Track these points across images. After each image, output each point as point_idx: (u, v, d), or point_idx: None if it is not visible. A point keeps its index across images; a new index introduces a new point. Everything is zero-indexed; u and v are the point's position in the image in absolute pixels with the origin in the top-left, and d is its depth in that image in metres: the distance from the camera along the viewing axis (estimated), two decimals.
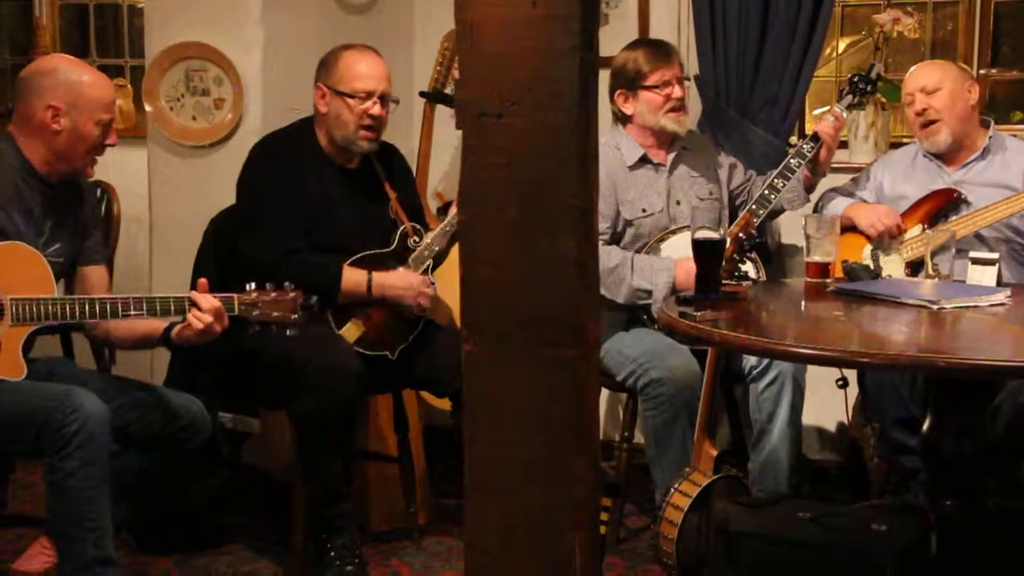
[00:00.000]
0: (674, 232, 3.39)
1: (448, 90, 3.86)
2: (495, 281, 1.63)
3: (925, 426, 2.64)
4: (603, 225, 3.33)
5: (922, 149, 3.46)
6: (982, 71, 3.96)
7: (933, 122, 3.38)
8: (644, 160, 3.46)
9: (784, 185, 3.40)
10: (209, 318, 2.71)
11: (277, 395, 3.23)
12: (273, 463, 3.60)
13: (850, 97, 3.51)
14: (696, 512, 3.04)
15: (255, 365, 3.22)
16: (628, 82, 3.43)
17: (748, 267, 3.33)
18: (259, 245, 3.15)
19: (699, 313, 2.54)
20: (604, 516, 3.22)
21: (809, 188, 3.53)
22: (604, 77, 3.36)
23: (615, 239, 3.40)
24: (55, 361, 3.01)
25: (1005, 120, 3.99)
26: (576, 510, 1.63)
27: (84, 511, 2.58)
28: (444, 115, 3.89)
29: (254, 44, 3.74)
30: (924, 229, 3.34)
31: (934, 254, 2.94)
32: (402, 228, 3.34)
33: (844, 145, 3.78)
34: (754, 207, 3.40)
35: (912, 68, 3.51)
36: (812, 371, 3.27)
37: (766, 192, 3.40)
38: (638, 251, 3.39)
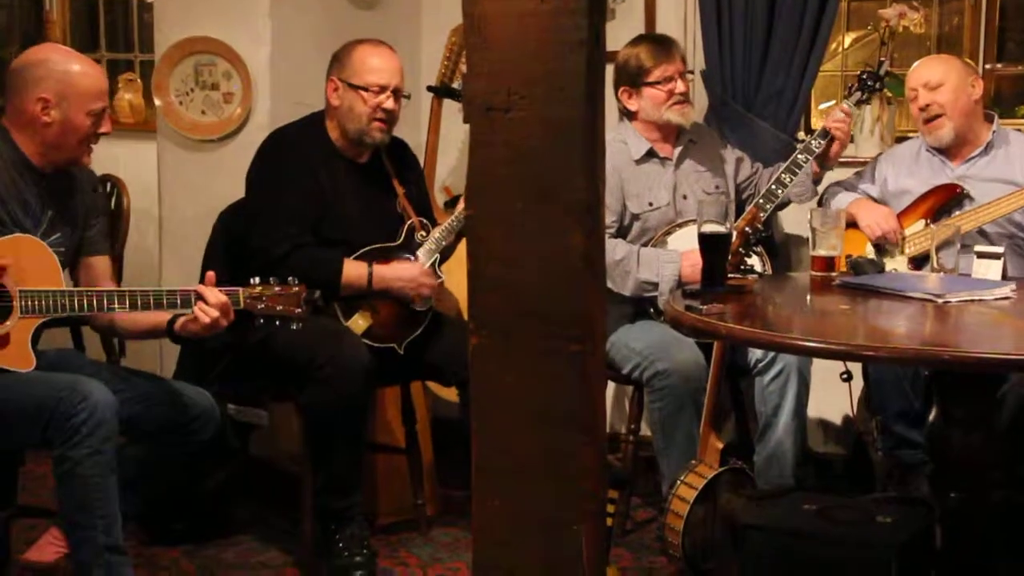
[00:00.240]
0: (680, 225, 3.40)
1: (456, 84, 3.87)
2: (502, 274, 1.64)
3: (930, 418, 2.65)
4: (609, 219, 3.34)
5: (926, 144, 3.47)
6: (987, 66, 3.96)
7: (936, 117, 3.37)
8: (651, 154, 3.48)
9: (791, 180, 3.41)
10: (215, 312, 2.72)
11: (286, 387, 3.25)
12: (281, 455, 3.62)
13: (859, 93, 3.51)
14: (702, 504, 3.05)
15: (264, 358, 3.24)
16: (631, 78, 3.44)
17: (754, 260, 3.35)
18: (266, 238, 3.17)
19: (705, 306, 2.55)
20: (610, 508, 3.23)
21: (816, 181, 3.54)
22: (610, 72, 3.38)
23: (621, 233, 3.41)
24: (65, 353, 3.02)
25: (1010, 115, 4.00)
26: (583, 502, 1.64)
27: (93, 500, 2.59)
28: (452, 109, 3.90)
29: (263, 39, 3.75)
30: (927, 224, 3.34)
31: (938, 249, 2.94)
32: (409, 222, 3.36)
33: (850, 139, 3.78)
34: (761, 201, 3.41)
35: (916, 63, 3.51)
36: (817, 364, 3.28)
37: (773, 187, 3.41)
38: (645, 245, 3.40)
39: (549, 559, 1.65)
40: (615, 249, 3.30)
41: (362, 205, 3.31)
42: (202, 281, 2.78)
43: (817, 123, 3.79)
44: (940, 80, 3.37)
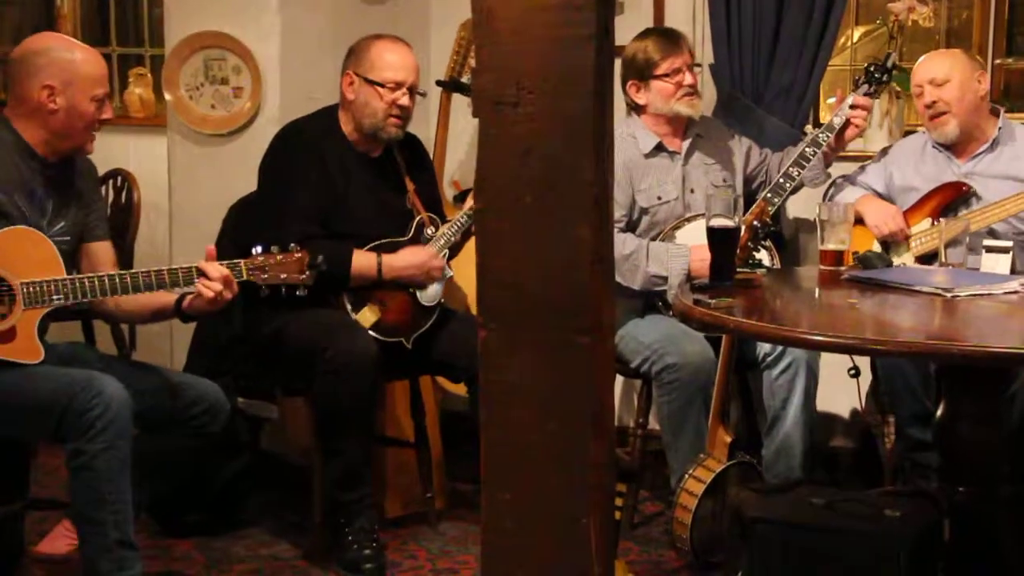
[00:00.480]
0: (689, 220, 3.41)
1: (465, 79, 3.88)
2: (511, 268, 1.64)
3: (939, 412, 2.65)
4: (618, 213, 3.34)
5: (931, 139, 3.44)
6: (997, 61, 3.95)
7: (942, 114, 3.34)
8: (659, 148, 3.48)
9: (799, 174, 3.41)
10: (218, 286, 2.71)
11: (296, 381, 3.27)
12: (291, 448, 3.64)
13: (866, 86, 3.50)
14: (710, 498, 3.06)
15: (274, 351, 3.25)
16: (639, 72, 3.44)
17: (762, 255, 3.34)
18: (275, 229, 3.17)
19: (714, 300, 2.55)
20: (619, 501, 3.25)
21: (828, 164, 3.54)
22: (617, 66, 3.38)
23: (630, 227, 3.42)
24: (76, 347, 3.03)
25: (1020, 109, 3.97)
26: (591, 495, 1.63)
27: (106, 495, 2.60)
28: (461, 104, 3.91)
29: (272, 33, 3.77)
30: (933, 223, 3.33)
31: (947, 246, 2.93)
32: (418, 218, 3.37)
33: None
34: (769, 195, 3.41)
35: (921, 58, 3.48)
36: (826, 358, 3.28)
37: (781, 181, 3.41)
38: (653, 239, 3.40)
39: (558, 552, 1.65)
40: (624, 243, 3.31)
41: (373, 199, 3.32)
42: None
43: (825, 117, 3.78)
44: (946, 76, 3.33)
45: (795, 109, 3.77)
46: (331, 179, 3.26)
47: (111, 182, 3.77)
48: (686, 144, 3.50)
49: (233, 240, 3.42)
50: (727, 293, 2.64)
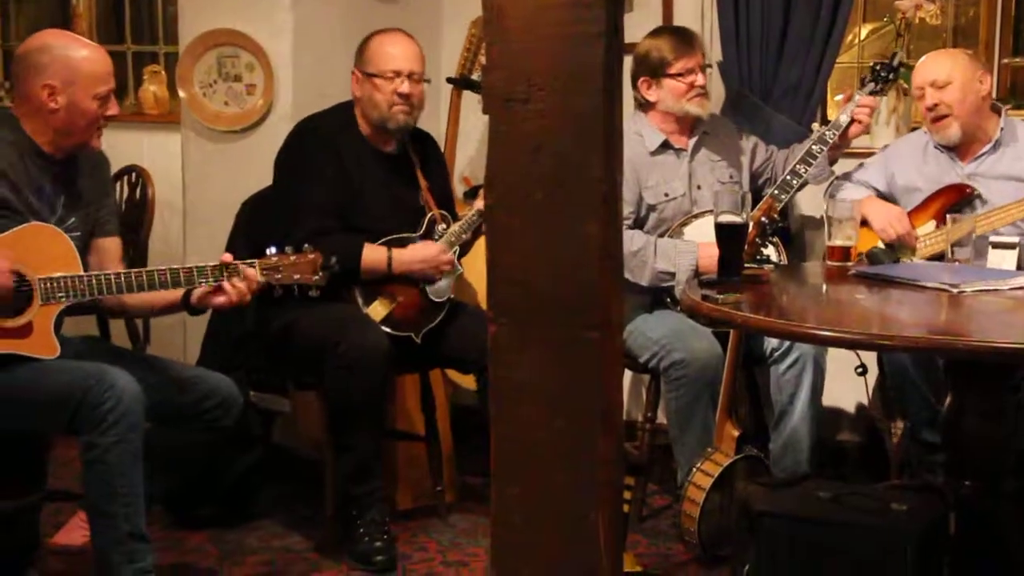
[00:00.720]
0: (697, 216, 3.42)
1: (475, 76, 3.89)
2: (520, 263, 1.64)
3: (944, 407, 2.66)
4: (626, 210, 3.36)
5: (933, 140, 3.42)
6: (1004, 61, 3.94)
7: (944, 117, 3.31)
8: (666, 146, 3.50)
9: (806, 171, 3.41)
10: (247, 292, 2.74)
11: (307, 375, 3.29)
12: (303, 442, 3.66)
13: (872, 84, 3.50)
14: (718, 491, 3.08)
15: (285, 346, 3.28)
16: (652, 70, 3.46)
17: (770, 251, 3.36)
18: (289, 223, 3.20)
19: (721, 296, 2.57)
20: (627, 495, 3.26)
21: (832, 161, 3.55)
22: (627, 63, 3.39)
23: (638, 224, 3.43)
24: (90, 340, 3.06)
25: None
26: (599, 489, 1.64)
27: (118, 487, 2.62)
28: (471, 101, 3.92)
29: (285, 31, 3.79)
30: (938, 226, 3.33)
31: (953, 245, 2.94)
32: (430, 214, 3.40)
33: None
34: (776, 192, 3.42)
35: (922, 58, 3.45)
36: (833, 353, 3.29)
37: (788, 178, 3.42)
38: (661, 235, 3.42)
39: (566, 545, 1.66)
40: (632, 240, 3.33)
41: (386, 195, 3.35)
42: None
43: (833, 115, 3.79)
44: (947, 78, 3.30)
45: (803, 107, 3.78)
46: (346, 174, 3.29)
47: (126, 178, 3.79)
48: (692, 141, 3.52)
49: (247, 236, 3.45)
50: (735, 289, 2.65)
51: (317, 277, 2.83)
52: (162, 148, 4.32)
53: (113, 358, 2.85)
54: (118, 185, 3.73)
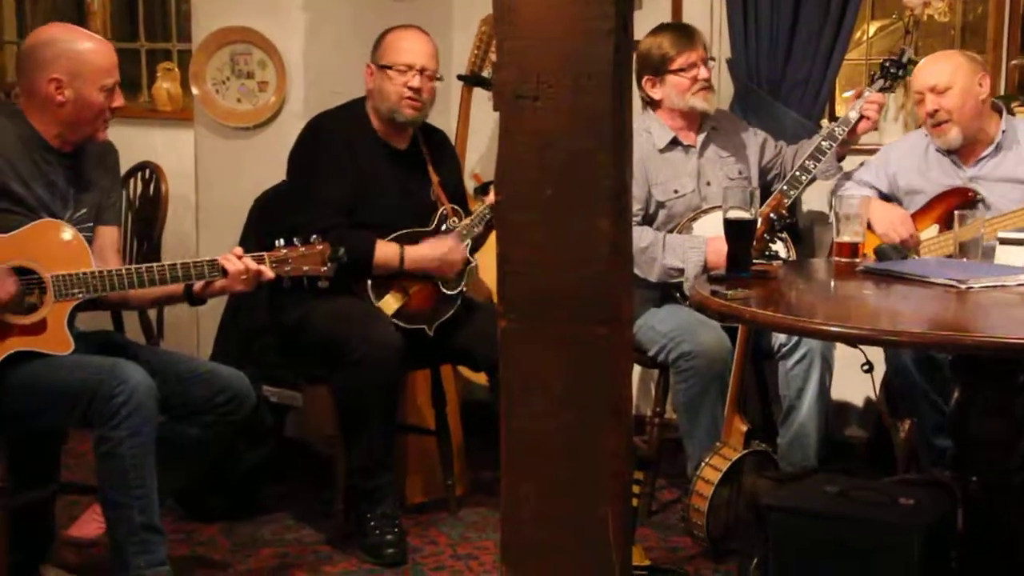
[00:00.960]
0: (706, 212, 3.43)
1: (485, 73, 3.91)
2: (531, 259, 1.66)
3: (952, 401, 2.67)
4: (635, 207, 3.37)
5: (934, 144, 3.40)
6: (1013, 62, 3.93)
7: (944, 122, 3.29)
8: (674, 142, 3.51)
9: (815, 167, 3.42)
10: (243, 267, 2.77)
11: (319, 370, 3.31)
12: (315, 435, 3.68)
13: (881, 81, 3.51)
14: (726, 486, 3.09)
15: (298, 340, 3.30)
16: (655, 67, 3.47)
17: (778, 246, 3.37)
18: (300, 219, 3.21)
19: (730, 291, 2.58)
20: (636, 489, 3.27)
21: (841, 157, 3.56)
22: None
23: (647, 220, 3.45)
24: (104, 335, 3.07)
25: None
26: (609, 483, 1.67)
27: (131, 480, 2.64)
28: (481, 98, 3.93)
29: (297, 28, 3.81)
30: (941, 230, 3.32)
31: (961, 245, 2.94)
32: (442, 210, 3.42)
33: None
34: (785, 188, 3.43)
35: (921, 61, 3.42)
36: (840, 348, 3.29)
37: (797, 174, 3.43)
38: (670, 231, 3.43)
39: (576, 539, 1.68)
40: (641, 236, 3.34)
41: (398, 190, 3.37)
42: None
43: (841, 111, 3.80)
44: (947, 83, 3.27)
45: (811, 103, 3.78)
46: (359, 169, 3.31)
47: (140, 175, 3.82)
48: (701, 137, 3.53)
49: (260, 231, 3.47)
50: (743, 284, 2.66)
51: (326, 268, 2.85)
52: (175, 145, 4.34)
53: (126, 352, 2.87)
54: (132, 181, 3.76)
